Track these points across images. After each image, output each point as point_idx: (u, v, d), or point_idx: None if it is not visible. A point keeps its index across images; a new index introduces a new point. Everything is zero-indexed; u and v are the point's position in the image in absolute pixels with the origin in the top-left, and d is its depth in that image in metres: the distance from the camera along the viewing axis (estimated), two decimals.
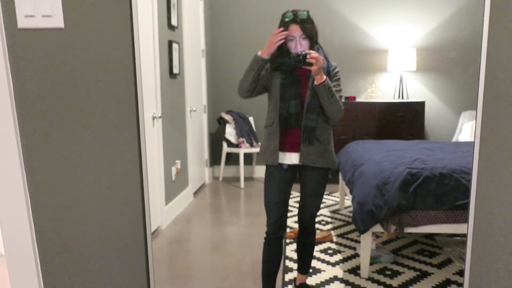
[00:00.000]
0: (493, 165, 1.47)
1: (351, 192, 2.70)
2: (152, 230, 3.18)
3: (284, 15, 1.96)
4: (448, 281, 2.44)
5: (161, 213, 3.30)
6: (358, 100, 4.76)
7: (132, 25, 1.41)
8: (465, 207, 2.36)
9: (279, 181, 2.09)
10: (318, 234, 3.04)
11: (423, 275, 2.52)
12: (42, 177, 1.52)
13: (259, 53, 1.95)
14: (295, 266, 2.63)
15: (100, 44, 1.43)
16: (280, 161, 2.06)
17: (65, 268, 1.59)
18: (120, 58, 1.44)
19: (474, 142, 1.47)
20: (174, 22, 3.60)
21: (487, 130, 1.45)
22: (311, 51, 1.89)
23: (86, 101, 1.47)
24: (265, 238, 2.16)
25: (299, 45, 1.93)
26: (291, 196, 2.20)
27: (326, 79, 1.92)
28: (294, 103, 1.99)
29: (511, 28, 1.37)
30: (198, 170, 4.51)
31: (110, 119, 1.48)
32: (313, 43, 1.98)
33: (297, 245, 2.30)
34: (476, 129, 1.47)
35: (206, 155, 4.82)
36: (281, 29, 1.92)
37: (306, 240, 2.25)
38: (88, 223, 1.56)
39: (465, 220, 2.39)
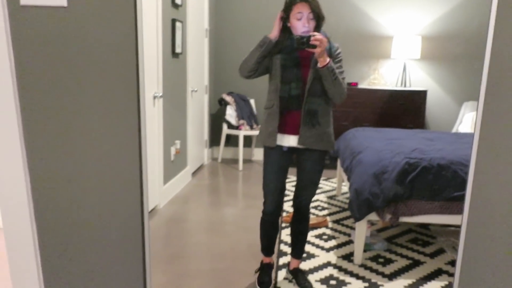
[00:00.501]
0: (491, 157, 1.48)
1: (348, 179, 2.71)
2: (150, 209, 3.21)
3: None
4: (440, 271, 2.48)
5: (159, 192, 3.32)
6: (360, 86, 4.75)
7: (136, 3, 1.40)
8: (461, 198, 2.38)
9: (277, 163, 2.11)
10: (314, 220, 3.06)
11: (416, 263, 2.56)
12: (42, 154, 1.53)
13: (265, 37, 1.96)
14: (289, 250, 2.66)
15: (103, 22, 1.42)
16: (279, 143, 2.06)
17: (63, 244, 1.61)
18: (122, 37, 1.43)
19: (474, 133, 1.48)
20: (178, 0, 3.56)
21: (487, 123, 1.46)
22: (315, 33, 1.87)
23: (87, 80, 1.47)
24: (261, 218, 2.23)
25: (306, 23, 1.91)
26: (289, 180, 2.21)
27: (329, 61, 1.91)
28: (295, 85, 1.98)
29: None
30: (197, 150, 4.52)
31: (111, 98, 1.48)
32: (319, 25, 1.96)
33: (291, 230, 2.32)
34: (477, 121, 1.47)
35: (205, 136, 4.83)
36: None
37: (300, 225, 2.27)
38: (86, 199, 1.57)
39: (460, 211, 2.41)
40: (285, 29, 2.00)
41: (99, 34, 1.43)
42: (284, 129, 2.05)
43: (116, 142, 1.52)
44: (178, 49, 3.61)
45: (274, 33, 1.97)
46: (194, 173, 4.36)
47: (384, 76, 4.86)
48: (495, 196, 1.50)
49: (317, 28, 1.96)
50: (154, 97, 3.15)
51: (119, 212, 1.59)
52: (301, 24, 1.92)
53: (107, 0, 1.40)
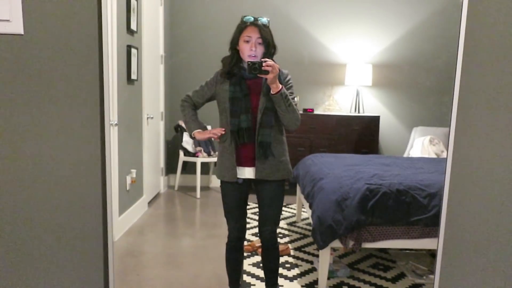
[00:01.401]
0: (463, 183, 1.51)
1: (310, 207, 2.71)
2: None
3: (243, 17, 1.95)
4: None
5: (114, 224, 3.16)
6: (316, 112, 4.82)
7: (101, 32, 1.33)
8: (419, 223, 2.43)
9: (235, 197, 2.11)
10: None
11: None
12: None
13: (194, 132, 2.12)
14: (253, 281, 2.60)
15: (64, 52, 1.34)
16: (237, 175, 2.05)
17: (21, 278, 1.47)
18: (85, 67, 1.36)
19: (446, 159, 1.51)
20: (133, 26, 3.50)
21: (458, 147, 1.49)
22: (267, 59, 1.87)
23: (47, 113, 1.37)
24: (226, 244, 2.21)
25: (253, 47, 1.91)
26: (250, 207, 2.21)
27: (282, 87, 1.91)
28: (246, 118, 1.97)
29: (485, 51, 1.42)
30: (153, 178, 4.39)
31: (73, 128, 1.40)
32: (268, 52, 1.96)
33: (263, 262, 2.28)
34: (449, 146, 1.50)
35: (162, 163, 4.70)
36: (220, 129, 2.01)
37: (270, 256, 2.23)
38: (46, 231, 1.45)
39: (420, 235, 2.45)
40: (233, 55, 1.99)
41: (60, 65, 1.36)
42: (240, 162, 2.04)
43: (79, 173, 1.43)
44: (133, 76, 3.53)
45: (200, 135, 2.09)
46: (150, 202, 4.21)
47: (338, 102, 4.97)
48: (469, 219, 1.53)
49: (268, 56, 1.96)
50: (110, 125, 3.03)
51: (81, 246, 1.48)
52: (248, 47, 1.92)
53: (69, 28, 1.33)
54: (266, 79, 1.89)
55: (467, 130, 1.48)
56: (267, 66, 1.84)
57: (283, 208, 4.11)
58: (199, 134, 2.09)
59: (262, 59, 1.88)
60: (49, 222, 1.45)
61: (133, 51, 3.50)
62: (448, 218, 1.53)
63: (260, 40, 1.93)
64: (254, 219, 3.45)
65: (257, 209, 2.18)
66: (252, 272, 2.72)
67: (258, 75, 1.87)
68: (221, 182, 2.12)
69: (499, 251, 1.54)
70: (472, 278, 1.57)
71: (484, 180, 1.50)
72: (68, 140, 1.40)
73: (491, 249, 1.54)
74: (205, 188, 4.72)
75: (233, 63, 1.99)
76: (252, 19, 1.94)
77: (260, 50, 1.94)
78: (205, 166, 4.79)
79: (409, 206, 2.44)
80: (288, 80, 2.03)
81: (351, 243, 2.43)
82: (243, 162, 2.05)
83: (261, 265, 2.35)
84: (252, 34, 1.92)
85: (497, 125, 1.47)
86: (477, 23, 1.40)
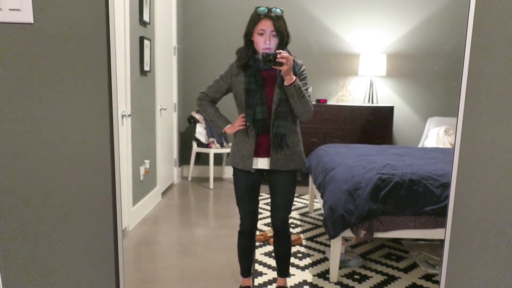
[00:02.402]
0: (471, 171, 1.49)
1: (322, 196, 2.71)
2: None
3: (257, 8, 1.94)
4: (414, 285, 2.49)
5: (128, 214, 3.21)
6: (329, 103, 4.80)
7: (108, 22, 1.35)
8: (432, 213, 2.41)
9: (247, 185, 2.12)
10: None
11: (391, 279, 2.56)
12: (7, 170, 1.43)
13: (225, 129, 2.11)
14: (264, 270, 2.62)
15: (73, 42, 1.36)
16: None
17: (28, 273, 1.51)
18: (94, 57, 1.38)
19: (454, 149, 1.49)
20: (146, 18, 3.51)
21: (466, 137, 1.47)
22: (281, 51, 1.87)
23: (56, 102, 1.40)
24: (238, 232, 2.24)
25: (268, 41, 1.91)
26: (262, 197, 2.23)
27: (296, 79, 1.91)
28: (261, 109, 1.98)
29: (494, 39, 1.40)
30: (167, 169, 4.43)
31: (82, 119, 1.42)
32: (282, 43, 1.96)
33: (275, 251, 2.30)
34: (457, 136, 1.49)
35: (175, 154, 4.74)
36: (241, 117, 2.03)
37: (282, 245, 2.25)
38: (55, 224, 1.48)
39: (432, 225, 2.44)
40: (249, 47, 1.99)
41: (69, 54, 1.37)
42: (254, 152, 2.05)
43: (88, 164, 1.45)
44: (146, 67, 3.55)
45: (231, 129, 2.08)
46: (164, 193, 4.26)
47: (352, 93, 4.94)
48: (476, 209, 1.52)
49: (281, 46, 1.96)
50: (122, 116, 3.07)
51: (91, 237, 1.51)
52: (262, 40, 1.92)
53: (78, 17, 1.35)
54: (280, 70, 1.89)
55: (475, 117, 1.45)
56: (281, 58, 1.84)
57: (296, 199, 4.12)
58: (229, 129, 2.10)
59: (277, 51, 1.88)
60: (58, 213, 1.47)
61: (146, 42, 3.52)
62: (455, 209, 1.51)
63: (274, 33, 1.92)
64: (267, 209, 3.46)
65: (269, 200, 2.19)
66: (264, 261, 2.73)
67: (273, 66, 1.87)
68: (234, 170, 2.13)
69: (508, 242, 1.52)
70: (480, 269, 1.55)
71: (493, 169, 1.48)
72: (76, 130, 1.42)
73: (499, 240, 1.52)
74: (218, 179, 4.75)
75: (249, 55, 1.99)
76: (266, 10, 1.92)
77: (274, 42, 1.94)
78: (218, 157, 4.82)
79: (421, 196, 2.42)
80: (303, 71, 2.03)
81: (362, 233, 2.42)
82: (257, 152, 2.05)
83: (273, 254, 2.36)
84: (266, 28, 1.91)
85: (507, 112, 1.44)
86: (486, 7, 1.38)
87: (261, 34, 1.92)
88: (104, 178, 1.46)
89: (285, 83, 1.92)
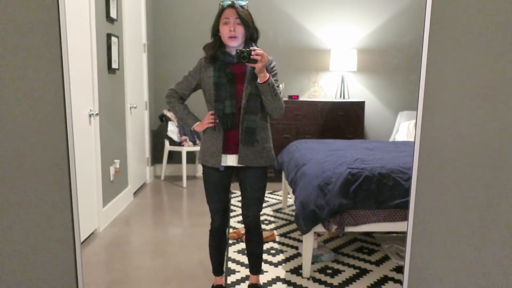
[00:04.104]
0: (431, 164, 1.51)
1: (293, 192, 2.71)
2: (88, 234, 3.03)
3: (222, 1, 1.95)
4: (386, 278, 2.52)
5: (98, 215, 3.15)
6: (301, 99, 4.81)
7: (59, 17, 1.29)
8: (402, 206, 2.44)
9: (217, 183, 2.10)
10: None
11: (362, 272, 2.58)
12: None
13: (193, 127, 2.07)
14: (237, 267, 2.61)
15: (21, 38, 1.30)
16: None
17: None
18: (44, 54, 1.32)
19: (414, 143, 1.51)
20: (113, 14, 3.44)
21: (425, 131, 1.49)
22: (256, 48, 1.86)
23: (7, 103, 1.34)
24: (209, 235, 2.22)
25: (232, 27, 1.90)
26: (235, 195, 2.20)
27: (269, 76, 1.91)
28: (230, 103, 1.96)
29: (450, 34, 1.42)
30: (139, 169, 4.36)
31: (35, 119, 1.36)
32: (248, 32, 1.95)
33: (246, 248, 2.28)
34: (417, 129, 1.50)
35: (147, 153, 4.67)
36: (210, 114, 2.01)
37: (254, 241, 2.23)
38: (10, 231, 1.43)
39: (402, 218, 2.47)
40: (216, 41, 1.98)
41: (17, 52, 1.31)
42: (223, 149, 2.02)
43: (42, 165, 1.40)
44: (114, 65, 3.48)
45: (199, 127, 2.05)
46: (136, 193, 4.20)
47: (323, 88, 4.97)
48: (437, 201, 1.54)
49: (247, 37, 1.97)
50: (90, 115, 3.00)
51: (49, 243, 1.45)
52: (227, 28, 1.91)
53: (26, 12, 1.29)
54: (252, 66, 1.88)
55: (435, 110, 1.47)
56: (256, 55, 1.83)
57: (270, 195, 4.13)
58: (198, 127, 2.07)
59: (251, 48, 1.87)
60: (10, 219, 1.42)
61: (114, 39, 3.45)
62: (417, 200, 1.54)
63: (238, 21, 1.91)
64: (239, 207, 3.45)
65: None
66: (237, 259, 2.72)
67: (247, 63, 1.86)
68: (204, 167, 2.11)
69: (469, 231, 1.55)
70: (443, 259, 1.58)
71: (452, 160, 1.50)
72: (29, 130, 1.37)
73: (460, 232, 1.55)
74: (191, 177, 4.71)
75: (216, 48, 1.98)
76: (229, 2, 1.94)
77: (239, 30, 1.92)
78: (191, 155, 4.77)
79: (391, 189, 2.45)
80: (273, 67, 2.02)
81: (334, 228, 2.43)
82: (226, 149, 2.03)
83: (245, 251, 2.35)
84: (230, 15, 1.91)
85: (464, 104, 1.47)
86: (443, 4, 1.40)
87: (226, 23, 1.92)
88: (61, 183, 1.41)
89: (258, 80, 1.90)
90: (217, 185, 2.10)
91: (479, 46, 1.42)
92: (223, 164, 2.03)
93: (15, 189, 1.40)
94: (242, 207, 2.17)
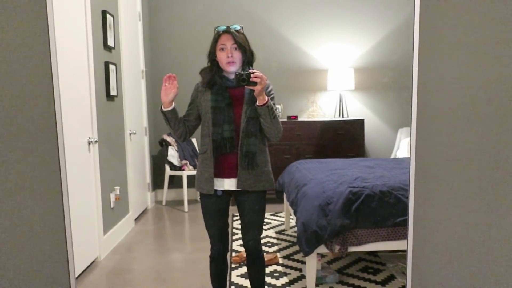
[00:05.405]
0: (428, 180, 1.49)
1: (295, 213, 2.68)
2: (89, 262, 2.99)
3: (216, 28, 1.96)
4: None
5: (99, 242, 3.12)
6: (300, 119, 4.82)
7: (50, 45, 1.30)
8: (405, 223, 2.41)
9: (214, 208, 2.06)
10: (264, 257, 2.98)
11: None
12: None
13: (161, 107, 1.99)
14: None
15: (12, 66, 1.31)
16: (216, 187, 2.02)
17: None
18: (36, 81, 1.32)
19: (409, 159, 1.50)
20: (110, 43, 3.48)
21: (421, 148, 1.48)
22: (255, 70, 1.86)
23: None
24: (210, 256, 2.17)
25: (230, 54, 1.91)
26: (236, 218, 2.17)
27: (268, 99, 1.90)
28: (228, 127, 1.95)
29: (440, 51, 1.42)
30: (140, 194, 4.34)
31: (27, 148, 1.36)
32: (245, 57, 1.96)
33: (248, 272, 2.24)
34: (411, 146, 1.49)
35: (148, 179, 4.66)
36: (169, 74, 1.96)
37: (255, 264, 2.19)
38: (4, 267, 1.40)
39: (405, 236, 2.43)
40: (212, 66, 1.99)
41: (8, 80, 1.32)
42: (222, 173, 2.00)
43: (36, 197, 1.38)
44: (113, 92, 3.50)
45: (165, 103, 1.98)
46: (137, 219, 4.17)
47: (322, 108, 4.98)
48: (436, 217, 1.52)
49: (245, 62, 1.97)
50: (89, 143, 3.00)
51: (43, 278, 1.43)
52: (224, 55, 1.92)
53: (16, 40, 1.30)
54: (250, 89, 1.88)
55: (428, 127, 1.47)
56: (256, 77, 1.83)
57: (272, 217, 4.10)
58: (163, 99, 1.97)
59: (250, 70, 1.87)
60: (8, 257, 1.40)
61: (112, 67, 3.48)
62: (415, 219, 1.51)
63: (235, 46, 1.92)
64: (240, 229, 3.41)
65: None
66: (240, 283, 2.68)
67: (246, 86, 1.86)
68: (200, 194, 2.09)
69: (468, 250, 1.52)
70: (444, 277, 1.55)
71: (448, 178, 1.49)
72: (25, 167, 1.36)
73: (460, 249, 1.52)
74: (193, 201, 4.68)
75: (213, 72, 1.98)
76: (224, 27, 1.94)
77: (237, 55, 1.93)
78: (192, 179, 4.76)
79: (393, 207, 2.42)
80: (270, 90, 2.02)
81: (337, 248, 2.40)
82: (223, 173, 2.01)
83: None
84: (226, 42, 1.92)
85: (458, 120, 1.46)
86: (431, 14, 1.41)
87: (223, 49, 1.92)
88: (55, 215, 1.39)
89: (257, 103, 1.90)
90: (214, 211, 2.07)
91: (466, 59, 1.43)
92: (220, 188, 2.01)
93: (8, 223, 1.39)
94: (242, 232, 2.14)
